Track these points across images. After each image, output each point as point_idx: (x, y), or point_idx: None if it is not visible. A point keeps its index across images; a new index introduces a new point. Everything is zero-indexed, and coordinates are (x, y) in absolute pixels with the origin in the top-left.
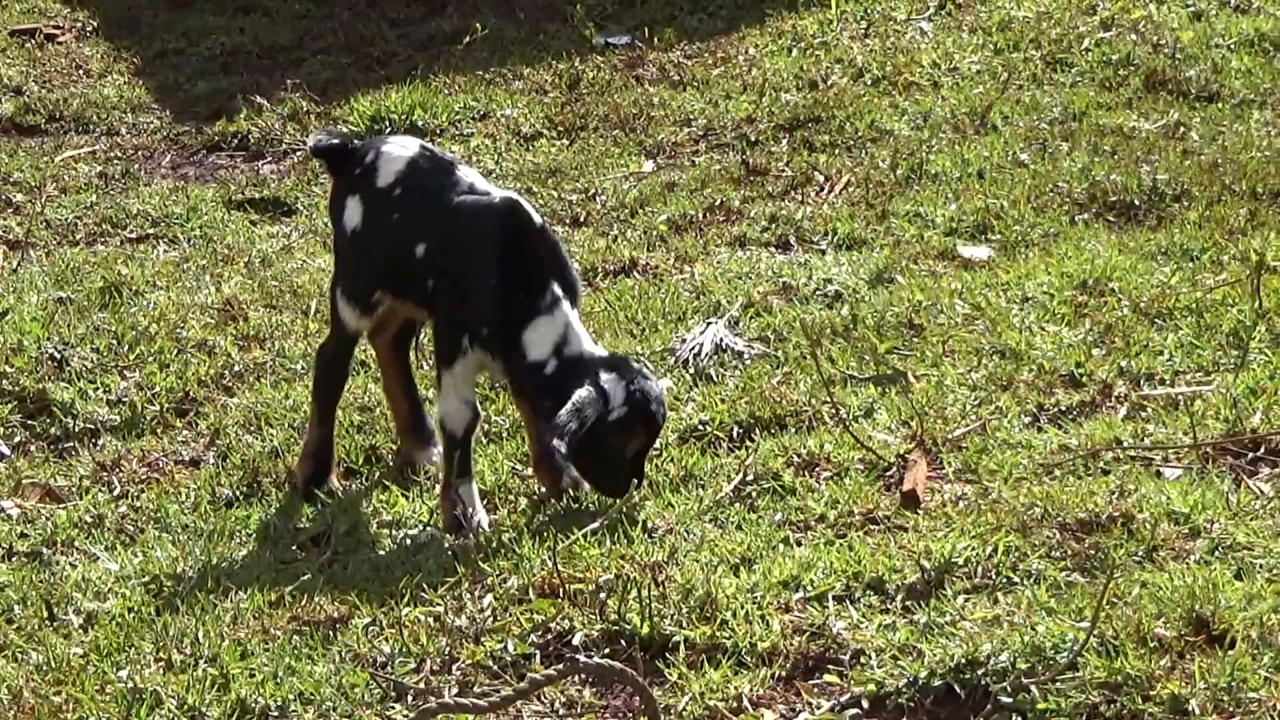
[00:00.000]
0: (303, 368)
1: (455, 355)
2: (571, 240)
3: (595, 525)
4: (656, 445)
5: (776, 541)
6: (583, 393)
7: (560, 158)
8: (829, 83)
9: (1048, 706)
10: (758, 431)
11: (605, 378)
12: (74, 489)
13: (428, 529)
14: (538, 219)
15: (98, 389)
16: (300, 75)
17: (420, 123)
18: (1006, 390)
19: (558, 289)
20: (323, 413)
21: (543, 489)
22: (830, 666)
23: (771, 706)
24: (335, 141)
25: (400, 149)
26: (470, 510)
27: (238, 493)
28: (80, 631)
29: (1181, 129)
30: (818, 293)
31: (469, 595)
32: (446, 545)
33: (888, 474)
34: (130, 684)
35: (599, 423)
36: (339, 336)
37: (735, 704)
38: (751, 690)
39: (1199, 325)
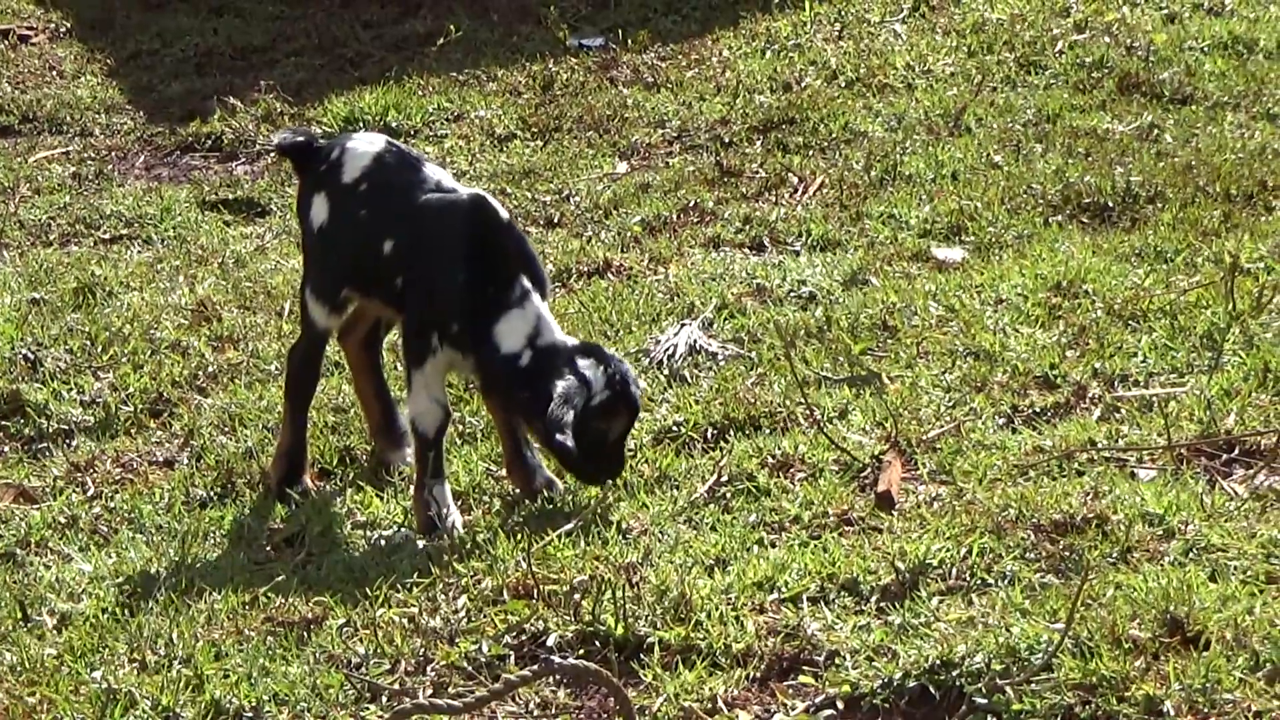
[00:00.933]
0: (276, 369)
1: (425, 354)
2: (545, 241)
3: (570, 526)
4: (631, 441)
5: (751, 543)
6: (565, 383)
7: (534, 159)
8: (803, 84)
9: (1022, 708)
10: (732, 433)
11: (583, 364)
12: (48, 490)
13: (402, 530)
14: (504, 214)
15: (71, 390)
16: (274, 76)
17: (394, 124)
18: (980, 392)
19: (526, 282)
20: (295, 413)
21: (517, 490)
22: (805, 668)
23: (746, 707)
24: (300, 139)
25: (366, 145)
26: (444, 511)
27: (212, 493)
28: (54, 632)
29: (1155, 131)
30: (792, 294)
31: (443, 596)
32: (421, 546)
33: (862, 475)
34: (104, 685)
35: (583, 410)
36: (309, 336)
37: (710, 705)
38: (726, 691)
39: (1173, 327)
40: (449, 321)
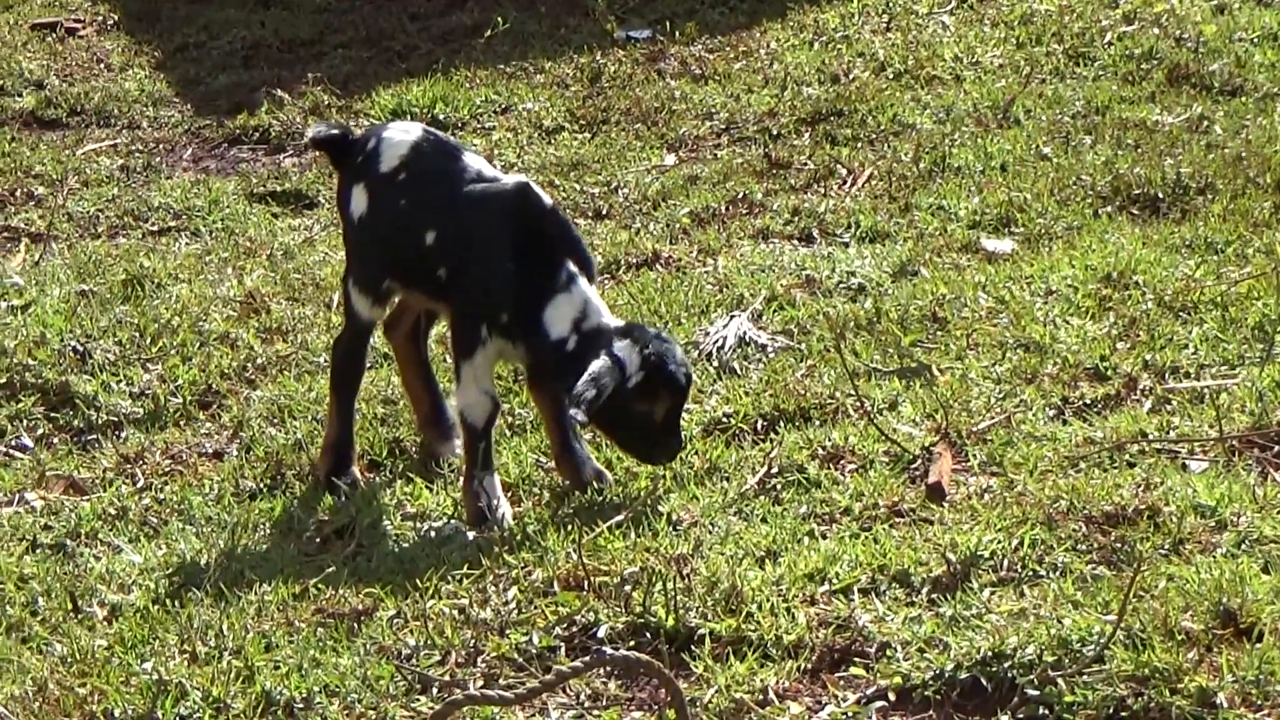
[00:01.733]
0: (325, 360)
1: (474, 345)
2: (594, 233)
3: (620, 518)
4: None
5: (801, 534)
6: (598, 363)
7: (582, 151)
8: (851, 76)
9: (1074, 699)
10: (782, 424)
11: (619, 345)
12: (97, 481)
13: (452, 522)
14: (547, 200)
15: (120, 381)
16: (321, 69)
17: (441, 116)
18: (1031, 383)
19: (572, 266)
20: (341, 405)
21: (566, 482)
22: (856, 659)
23: (797, 699)
24: (334, 132)
25: (402, 134)
26: (493, 502)
27: (261, 485)
28: (104, 623)
29: (1204, 122)
30: (841, 285)
31: (493, 588)
32: (471, 538)
33: (912, 467)
34: (155, 676)
35: (620, 392)
36: (353, 328)
37: (761, 697)
38: (777, 683)
39: (1224, 318)
40: (498, 311)
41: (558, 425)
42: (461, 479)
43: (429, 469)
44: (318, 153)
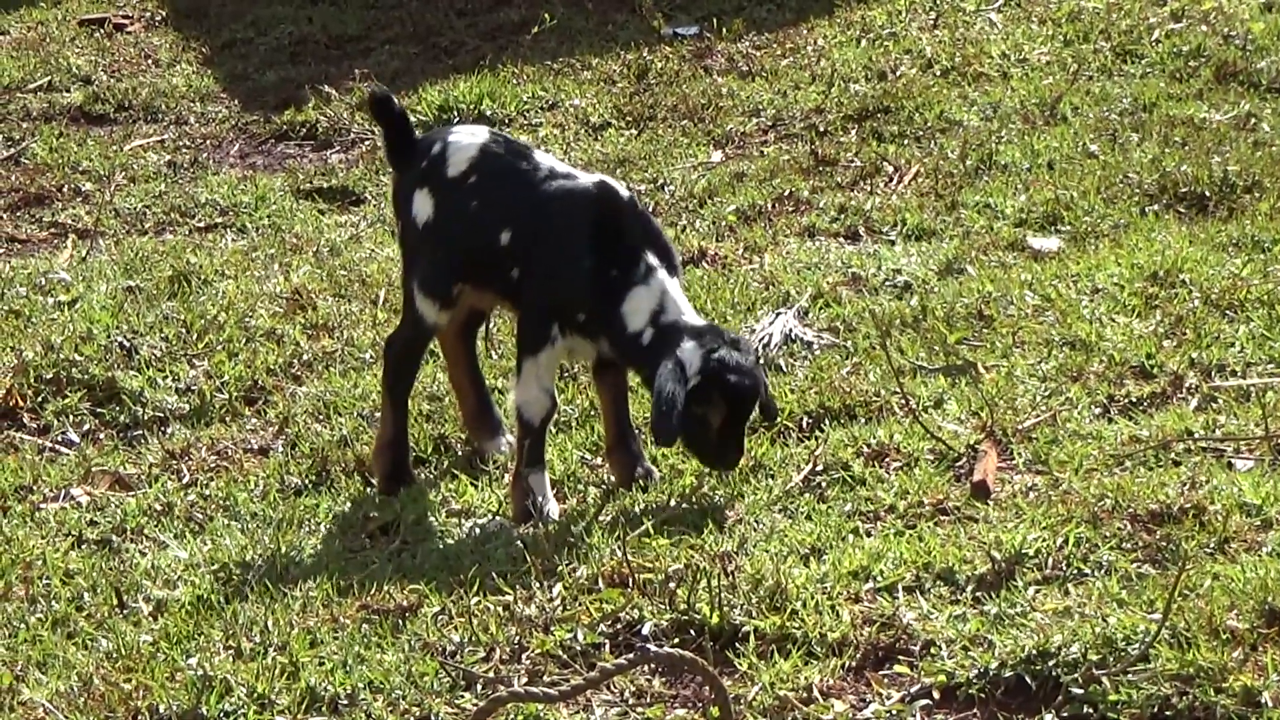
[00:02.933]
0: (371, 356)
1: (542, 343)
2: None
3: (665, 515)
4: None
5: (846, 532)
6: (663, 369)
7: (629, 148)
8: (898, 73)
9: (1119, 698)
10: (827, 422)
11: (685, 346)
12: (143, 477)
13: (497, 518)
14: (625, 193)
15: (167, 377)
16: (368, 65)
17: (488, 112)
18: (1077, 381)
19: (652, 259)
20: (396, 406)
21: (613, 477)
22: (900, 657)
23: (841, 697)
24: (392, 99)
25: (469, 137)
26: (540, 499)
27: (306, 481)
28: (150, 619)
29: (1252, 120)
30: (887, 283)
31: (538, 584)
32: (516, 535)
33: (958, 464)
34: (200, 671)
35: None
36: (416, 331)
37: (805, 694)
38: (821, 680)
39: (1270, 317)
40: (575, 310)
41: (616, 417)
42: (509, 475)
43: (474, 465)
44: (374, 114)
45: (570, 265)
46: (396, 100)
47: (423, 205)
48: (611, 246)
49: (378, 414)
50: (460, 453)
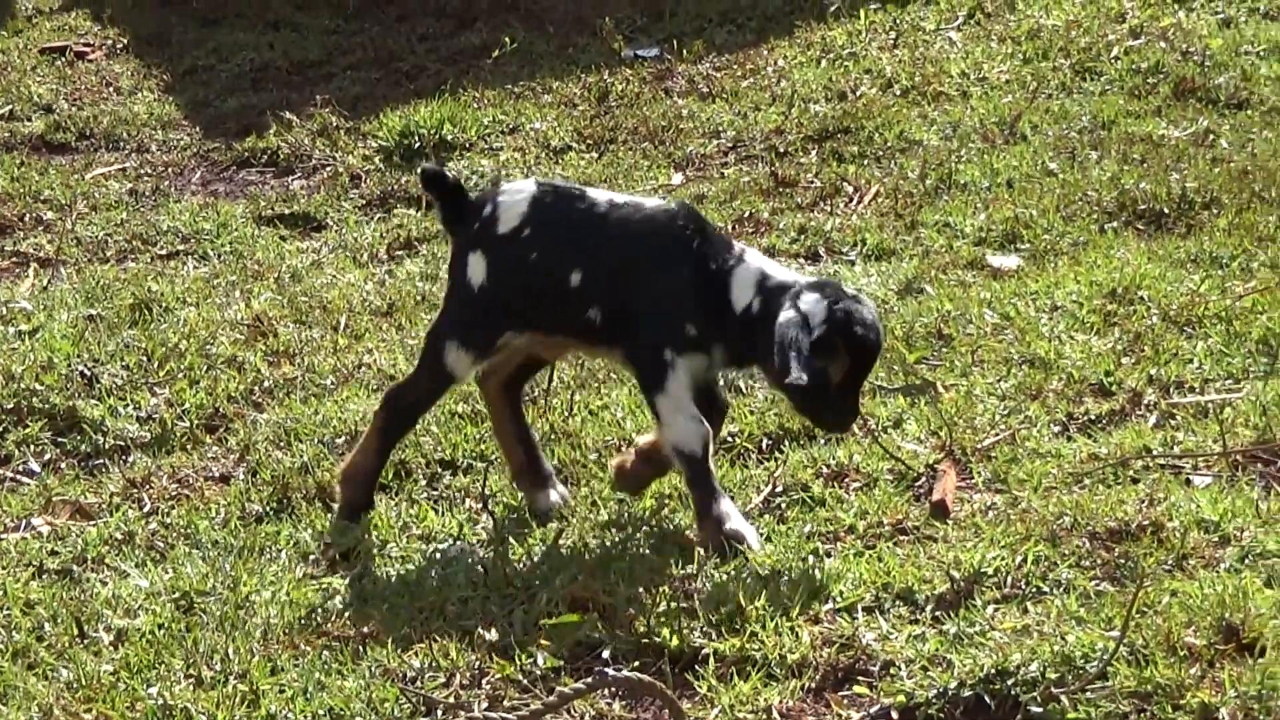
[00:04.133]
0: (332, 383)
1: (664, 375)
2: None
3: (625, 537)
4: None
5: (806, 553)
6: (782, 317)
7: (590, 171)
8: (858, 93)
9: (1078, 716)
10: (787, 443)
11: (806, 298)
12: (104, 506)
13: (457, 543)
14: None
15: (128, 406)
16: (330, 91)
17: (449, 137)
18: (1036, 399)
19: (738, 244)
20: (383, 446)
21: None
22: (860, 678)
23: (801, 718)
24: (445, 174)
25: (516, 193)
26: (736, 527)
27: (268, 508)
28: (110, 648)
29: (1211, 136)
30: None
31: (498, 609)
32: (474, 559)
33: (917, 484)
34: (160, 701)
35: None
36: (435, 383)
37: (765, 716)
38: (781, 702)
39: (1228, 333)
40: (682, 326)
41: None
42: (695, 517)
43: (435, 490)
44: (427, 193)
45: (666, 283)
46: (449, 174)
47: (476, 269)
48: (702, 247)
49: (339, 440)
50: (419, 478)
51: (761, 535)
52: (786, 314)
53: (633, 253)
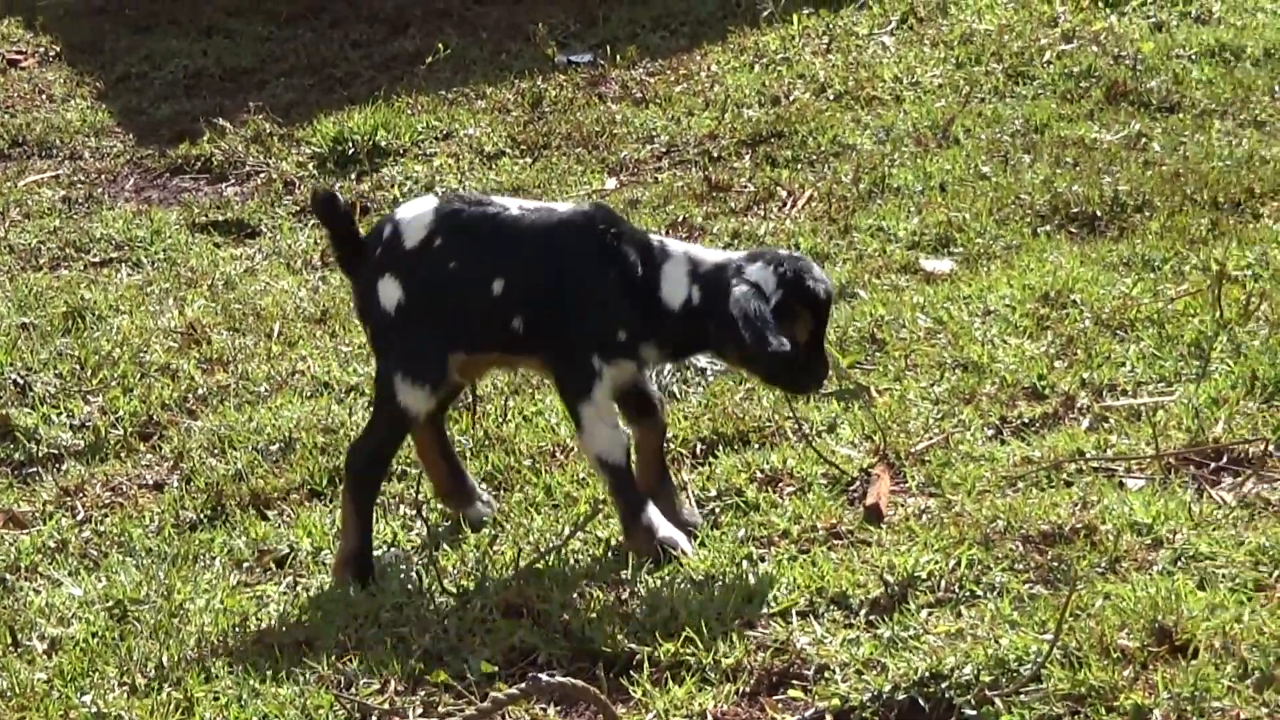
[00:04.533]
0: (266, 390)
1: (590, 383)
2: None
3: (559, 543)
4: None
5: (740, 557)
6: (735, 294)
7: (523, 176)
8: (791, 98)
9: (1012, 719)
10: (721, 448)
11: (750, 269)
12: (37, 514)
13: (392, 550)
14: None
15: (61, 414)
16: (263, 97)
17: (383, 143)
18: (969, 403)
19: (655, 238)
20: (362, 514)
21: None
22: (794, 682)
23: None
24: (338, 197)
25: (416, 208)
26: (663, 532)
27: (201, 516)
28: (44, 657)
29: (1143, 140)
30: None
31: (433, 615)
32: (408, 566)
33: (851, 489)
34: (95, 709)
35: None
36: (392, 428)
37: None
38: (716, 706)
39: (1161, 336)
40: (613, 331)
41: (658, 459)
42: (623, 527)
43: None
44: (322, 216)
45: (596, 285)
46: (341, 199)
47: (389, 293)
48: (624, 247)
49: (273, 447)
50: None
51: (695, 540)
52: (739, 289)
53: (555, 258)
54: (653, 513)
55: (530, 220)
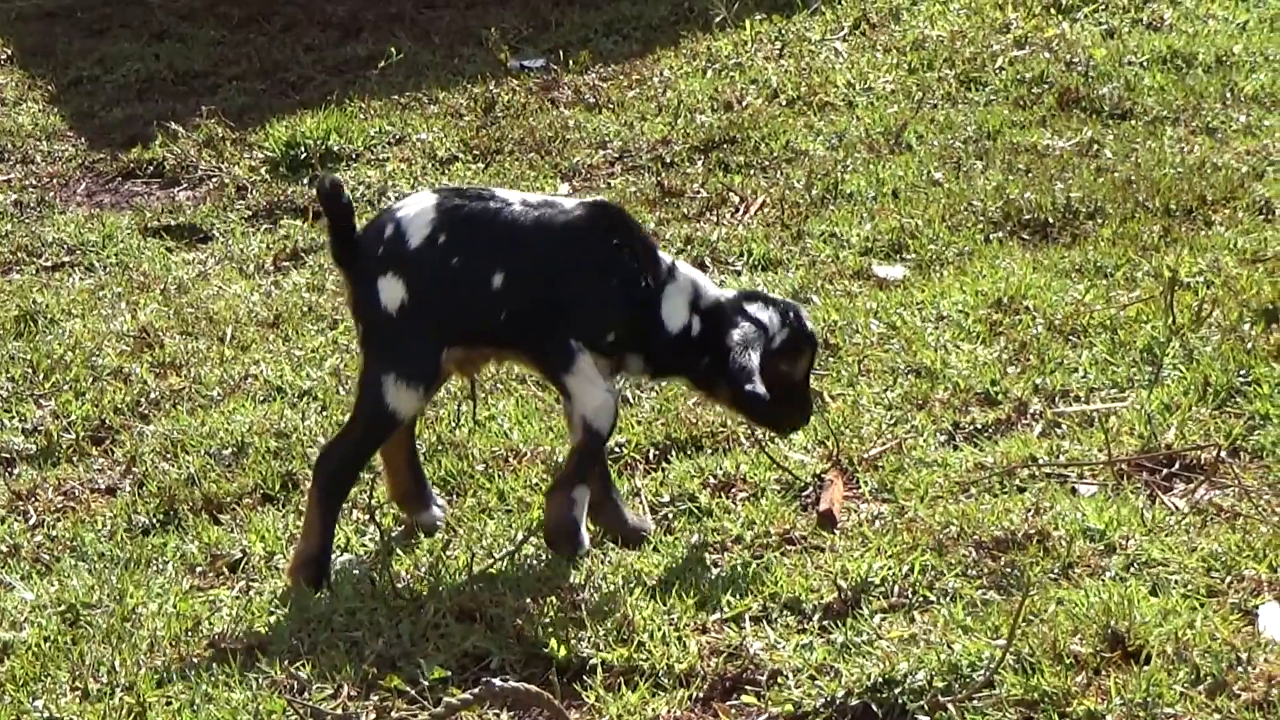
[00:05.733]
0: (219, 394)
1: (571, 358)
2: None
3: (512, 549)
4: None
5: (693, 563)
6: (740, 331)
7: (476, 182)
8: (744, 104)
9: None
10: (674, 453)
11: (753, 308)
12: None
13: (344, 554)
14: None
15: (13, 418)
16: (216, 101)
17: (335, 148)
18: (922, 409)
19: (663, 254)
20: (326, 518)
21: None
22: (748, 687)
23: None
24: (343, 189)
25: (417, 205)
26: (577, 513)
27: (154, 520)
28: None
29: (1095, 146)
30: None
31: (386, 621)
32: (360, 571)
33: (804, 494)
34: (46, 714)
35: (765, 355)
36: (373, 430)
37: None
38: (669, 712)
39: (1113, 342)
40: (604, 332)
41: (600, 473)
42: (555, 481)
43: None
44: (327, 206)
45: (598, 288)
46: (345, 191)
47: (391, 292)
48: (631, 256)
49: (226, 451)
50: (305, 490)
51: (649, 545)
52: (743, 330)
53: (560, 255)
54: (583, 496)
55: (536, 215)
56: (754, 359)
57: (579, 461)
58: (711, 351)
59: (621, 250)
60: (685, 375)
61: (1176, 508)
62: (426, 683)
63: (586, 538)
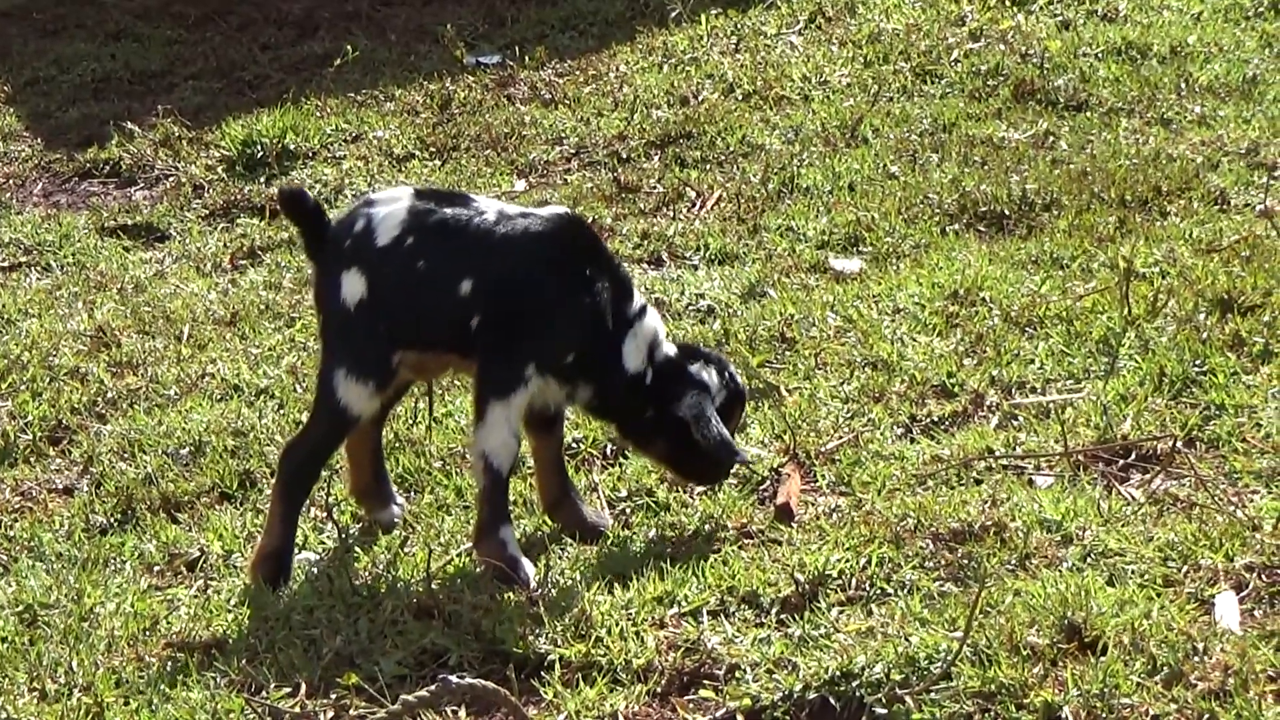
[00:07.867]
0: (176, 393)
1: (515, 384)
2: None
3: (469, 545)
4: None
5: (650, 558)
6: (694, 397)
7: (433, 179)
8: (700, 98)
9: (922, 717)
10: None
11: (694, 368)
12: None
13: (302, 552)
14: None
15: None
16: (172, 100)
17: (292, 146)
18: (879, 402)
19: (640, 297)
20: (288, 513)
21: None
22: (705, 682)
23: None
24: (305, 195)
25: (391, 202)
26: (515, 556)
27: (112, 520)
28: None
29: (1050, 138)
30: (690, 308)
31: (344, 619)
32: (318, 569)
33: (761, 488)
34: (4, 714)
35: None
36: (332, 428)
37: None
38: (627, 707)
39: (1069, 333)
40: (562, 352)
41: (558, 469)
42: (474, 532)
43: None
44: (288, 212)
45: (569, 305)
46: (309, 196)
47: (352, 287)
48: (604, 279)
49: (183, 450)
50: (265, 488)
51: (606, 540)
52: (692, 397)
53: (530, 269)
54: (510, 533)
55: (510, 226)
56: (718, 425)
57: (491, 504)
58: (656, 405)
59: (593, 274)
60: (624, 422)
61: (1133, 498)
62: (385, 680)
63: (529, 568)
